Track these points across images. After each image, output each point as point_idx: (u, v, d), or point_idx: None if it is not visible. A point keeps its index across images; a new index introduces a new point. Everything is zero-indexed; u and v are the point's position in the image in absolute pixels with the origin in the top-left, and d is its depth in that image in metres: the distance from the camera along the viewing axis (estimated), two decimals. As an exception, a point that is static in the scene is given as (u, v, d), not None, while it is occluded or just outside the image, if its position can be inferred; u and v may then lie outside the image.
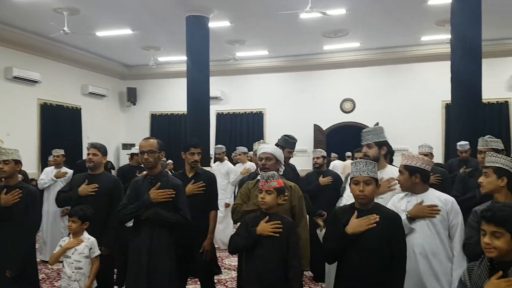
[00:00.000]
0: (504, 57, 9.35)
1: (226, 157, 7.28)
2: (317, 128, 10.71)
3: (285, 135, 4.28)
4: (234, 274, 5.29)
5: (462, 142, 5.42)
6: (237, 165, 7.03)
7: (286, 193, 2.75)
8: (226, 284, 5.00)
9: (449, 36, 6.56)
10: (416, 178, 2.74)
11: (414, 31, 8.96)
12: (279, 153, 3.20)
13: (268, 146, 3.20)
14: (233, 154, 8.20)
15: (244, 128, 11.79)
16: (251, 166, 6.56)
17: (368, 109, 10.36)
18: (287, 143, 4.14)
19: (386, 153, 3.14)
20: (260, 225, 2.59)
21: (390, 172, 3.09)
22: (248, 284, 2.64)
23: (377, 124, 9.98)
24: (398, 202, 2.85)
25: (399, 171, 2.83)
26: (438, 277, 2.66)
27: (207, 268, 3.79)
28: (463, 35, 6.12)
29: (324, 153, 5.55)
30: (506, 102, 9.68)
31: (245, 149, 7.04)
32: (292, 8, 7.10)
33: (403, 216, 2.69)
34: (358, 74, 10.67)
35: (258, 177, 3.09)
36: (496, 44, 8.95)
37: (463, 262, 2.60)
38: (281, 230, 2.56)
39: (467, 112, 6.12)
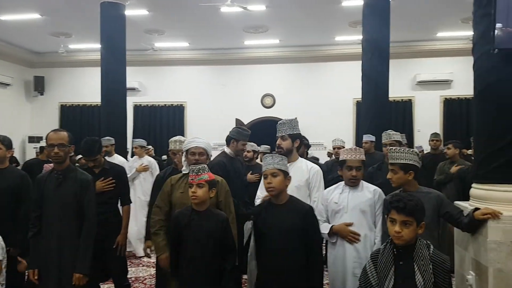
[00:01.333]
0: (409, 58, 10.14)
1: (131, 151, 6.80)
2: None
3: (237, 127, 4.13)
4: (153, 271, 5.17)
5: (367, 135, 5.78)
6: (132, 158, 6.63)
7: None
8: (144, 282, 4.86)
9: (360, 37, 6.94)
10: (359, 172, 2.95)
11: (329, 31, 9.37)
12: (210, 147, 3.12)
13: (200, 140, 3.08)
14: (132, 146, 7.71)
15: (164, 122, 11.48)
16: (148, 162, 6.30)
17: (288, 104, 10.66)
18: (241, 135, 3.96)
19: (299, 145, 3.24)
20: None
21: (301, 165, 3.21)
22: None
23: (295, 119, 10.34)
24: (331, 194, 3.00)
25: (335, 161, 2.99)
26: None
27: (122, 265, 3.66)
28: (373, 37, 6.51)
29: (256, 147, 5.50)
30: (410, 100, 10.54)
31: (143, 142, 6.63)
32: (213, 0, 7.05)
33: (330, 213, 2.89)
34: (278, 70, 10.92)
35: (184, 172, 3.02)
36: (402, 46, 9.68)
37: None
38: None
39: (375, 109, 6.52)
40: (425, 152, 7.47)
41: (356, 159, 2.94)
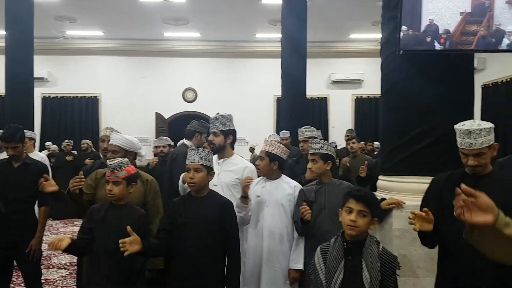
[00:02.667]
0: (325, 58, 10.61)
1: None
2: (159, 117, 10.50)
3: (197, 120, 3.93)
4: (65, 272, 4.84)
5: (283, 132, 5.94)
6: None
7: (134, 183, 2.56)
8: (55, 284, 4.54)
9: (280, 35, 7.11)
10: (274, 164, 2.93)
11: (249, 28, 9.47)
12: (129, 144, 2.94)
13: (117, 136, 2.90)
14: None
15: (76, 115, 10.78)
16: (41, 158, 5.84)
17: (209, 99, 10.60)
18: (204, 128, 3.77)
19: (232, 142, 3.22)
20: None
21: (236, 161, 3.19)
22: None
23: (217, 114, 10.33)
24: (253, 188, 2.95)
25: (260, 156, 2.97)
26: (285, 256, 2.86)
27: (34, 269, 3.37)
28: (291, 35, 6.70)
29: (170, 142, 5.38)
30: (326, 98, 11.05)
31: (32, 134, 5.72)
32: (131, -11, 6.77)
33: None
34: (200, 64, 10.80)
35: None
36: (319, 46, 10.10)
37: (300, 243, 2.84)
38: None
39: (294, 105, 6.74)
40: (338, 147, 7.87)
41: (262, 150, 2.99)
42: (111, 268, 2.33)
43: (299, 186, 3.08)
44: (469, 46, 2.57)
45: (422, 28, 2.53)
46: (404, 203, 2.78)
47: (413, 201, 2.82)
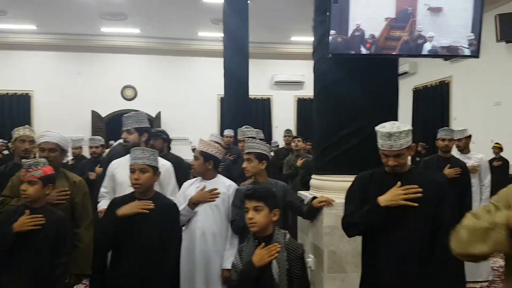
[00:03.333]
0: (268, 59, 10.74)
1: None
2: (95, 115, 10.08)
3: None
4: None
5: (227, 130, 5.94)
6: None
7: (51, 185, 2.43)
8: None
9: (222, 34, 7.09)
10: (209, 164, 2.88)
11: (192, 26, 9.36)
12: (65, 142, 2.77)
13: (53, 133, 2.73)
14: None
15: (6, 113, 10.09)
16: None
17: (150, 97, 10.35)
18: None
19: (147, 140, 3.15)
20: None
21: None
22: None
23: (159, 113, 10.10)
24: (188, 189, 2.93)
25: (195, 156, 2.91)
26: (219, 256, 2.83)
27: None
28: (233, 35, 6.71)
29: (103, 142, 5.21)
30: (269, 98, 11.18)
31: None
32: (64, -19, 6.44)
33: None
34: (140, 61, 10.51)
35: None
36: (262, 47, 10.20)
37: (235, 241, 2.82)
38: None
39: (237, 105, 6.76)
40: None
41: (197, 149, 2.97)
42: (28, 273, 2.20)
43: (234, 186, 3.08)
44: (393, 51, 2.69)
45: (350, 32, 2.62)
46: (334, 201, 2.87)
47: (343, 199, 2.93)
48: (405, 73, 9.18)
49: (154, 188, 2.58)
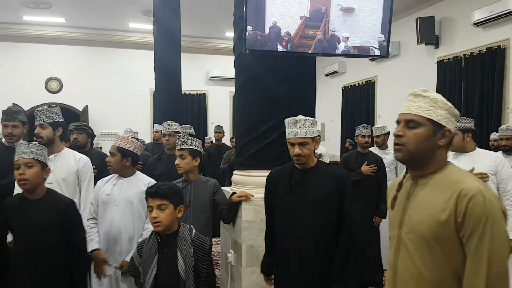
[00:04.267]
0: (203, 54, 10.61)
1: None
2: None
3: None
4: None
5: (156, 125, 5.79)
6: None
7: None
8: None
9: (153, 27, 6.90)
10: (127, 161, 2.77)
11: (122, 16, 9.00)
12: None
13: None
14: None
15: None
16: None
17: (77, 90, 9.82)
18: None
19: (61, 135, 3.02)
20: None
21: (68, 156, 2.99)
22: None
23: (86, 107, 9.63)
24: (103, 187, 2.81)
25: (111, 152, 2.77)
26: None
27: None
28: (164, 28, 6.55)
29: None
30: (204, 94, 11.07)
31: None
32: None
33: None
34: (65, 52, 9.93)
35: None
36: (196, 42, 10.06)
37: None
38: None
39: (170, 99, 6.62)
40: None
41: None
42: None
43: (154, 182, 3.00)
44: (308, 49, 2.76)
45: (266, 29, 2.65)
46: (253, 196, 2.89)
47: (262, 194, 2.96)
48: (335, 72, 9.50)
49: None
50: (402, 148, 1.38)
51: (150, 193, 2.03)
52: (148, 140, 7.98)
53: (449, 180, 1.33)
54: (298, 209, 2.15)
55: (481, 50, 5.75)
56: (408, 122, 1.39)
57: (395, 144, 1.42)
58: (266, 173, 2.97)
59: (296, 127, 2.13)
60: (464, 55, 6.04)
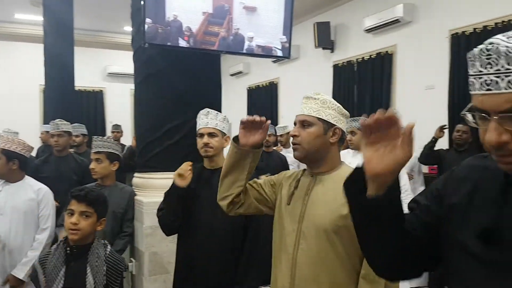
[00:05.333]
0: (100, 48, 9.96)
1: None
2: None
3: None
4: None
5: (42, 126, 5.30)
6: None
7: None
8: None
9: (43, 18, 6.30)
10: (13, 164, 2.51)
11: (7, 6, 8.08)
12: None
13: None
14: None
15: None
16: None
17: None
18: None
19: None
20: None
21: None
22: None
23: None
24: None
25: None
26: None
27: None
28: (55, 19, 6.02)
29: None
30: (102, 91, 10.42)
31: None
32: None
33: None
34: None
35: None
36: (93, 36, 9.41)
37: (36, 253, 2.50)
38: None
39: (62, 97, 6.11)
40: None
41: None
42: None
43: (45, 190, 2.71)
44: (212, 46, 2.69)
45: (167, 23, 2.52)
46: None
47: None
48: (240, 72, 9.59)
49: None
50: (299, 147, 1.50)
51: (78, 196, 1.81)
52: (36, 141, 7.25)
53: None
54: (204, 211, 2.08)
55: (371, 55, 6.21)
56: (302, 123, 1.51)
57: (293, 143, 1.53)
58: (170, 175, 2.86)
59: (207, 118, 2.12)
60: (357, 59, 6.48)
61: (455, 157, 3.79)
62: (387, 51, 5.98)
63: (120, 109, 10.37)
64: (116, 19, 8.92)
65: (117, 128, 6.23)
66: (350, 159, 3.11)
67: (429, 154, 4.07)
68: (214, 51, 2.77)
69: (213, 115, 2.13)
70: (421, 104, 5.42)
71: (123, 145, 6.34)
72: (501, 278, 0.75)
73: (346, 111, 1.55)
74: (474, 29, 4.72)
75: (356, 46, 6.56)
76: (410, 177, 4.03)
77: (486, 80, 0.72)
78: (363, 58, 6.38)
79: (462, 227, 0.84)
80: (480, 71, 0.73)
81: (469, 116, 0.78)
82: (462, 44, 4.86)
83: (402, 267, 0.92)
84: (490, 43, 0.71)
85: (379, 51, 6.10)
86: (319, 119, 1.49)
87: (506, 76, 0.69)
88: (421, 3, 5.51)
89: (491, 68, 0.71)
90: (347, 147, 3.36)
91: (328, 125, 1.49)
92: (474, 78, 0.75)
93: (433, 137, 4.12)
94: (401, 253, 0.88)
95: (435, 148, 4.25)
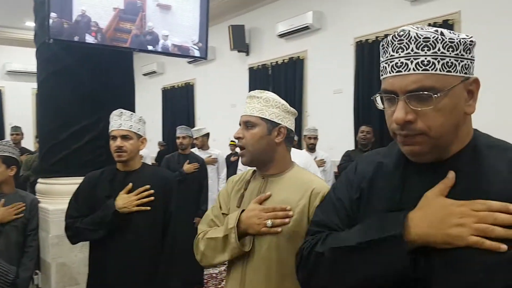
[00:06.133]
0: (-1, 44, 9.10)
1: None
2: None
3: None
4: None
5: None
6: None
7: None
8: None
9: None
10: None
11: None
12: None
13: None
14: None
15: None
16: None
17: None
18: None
19: None
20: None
21: None
22: None
23: None
24: None
25: None
26: None
27: None
28: None
29: None
30: (0, 90, 9.49)
31: None
32: None
33: None
34: None
35: None
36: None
37: None
38: None
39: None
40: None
41: None
42: None
43: None
44: (124, 44, 2.58)
45: (74, 18, 2.36)
46: None
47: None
48: (154, 72, 9.32)
49: None
50: (244, 152, 1.42)
51: None
52: None
53: (299, 179, 1.39)
54: (121, 213, 1.97)
55: (284, 59, 6.42)
56: (246, 123, 1.42)
57: (238, 146, 1.45)
58: (78, 180, 2.67)
59: (120, 119, 2.00)
60: (271, 63, 6.66)
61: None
62: (298, 56, 6.23)
63: (20, 109, 9.51)
64: (17, 13, 8.19)
65: (16, 130, 5.70)
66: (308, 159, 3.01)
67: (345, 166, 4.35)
68: (126, 49, 2.66)
69: (127, 116, 2.02)
70: (330, 107, 5.74)
71: (24, 149, 5.83)
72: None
73: (292, 109, 1.47)
74: (376, 37, 5.11)
75: (270, 50, 6.74)
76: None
77: (397, 63, 0.78)
78: (277, 62, 6.58)
79: (365, 212, 0.90)
80: (392, 55, 0.80)
81: (378, 100, 0.84)
82: (366, 50, 5.24)
83: None
84: (402, 30, 0.79)
85: (291, 55, 6.33)
86: (262, 118, 1.40)
87: (415, 59, 0.76)
88: (328, 12, 5.83)
89: (402, 52, 0.78)
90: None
91: (272, 125, 1.40)
92: (386, 63, 0.81)
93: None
94: None
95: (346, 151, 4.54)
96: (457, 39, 0.77)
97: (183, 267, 2.11)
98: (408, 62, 0.77)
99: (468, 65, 0.79)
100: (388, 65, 0.80)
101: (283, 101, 1.45)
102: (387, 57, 0.81)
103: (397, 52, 0.79)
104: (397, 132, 0.80)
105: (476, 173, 0.79)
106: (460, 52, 0.77)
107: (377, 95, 0.83)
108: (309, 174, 1.46)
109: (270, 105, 1.42)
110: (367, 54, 5.22)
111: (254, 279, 1.35)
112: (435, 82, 0.75)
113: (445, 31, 0.77)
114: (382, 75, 0.83)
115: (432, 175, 0.82)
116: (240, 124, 1.45)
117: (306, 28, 5.92)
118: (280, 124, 1.41)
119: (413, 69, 0.76)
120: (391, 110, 0.80)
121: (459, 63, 0.77)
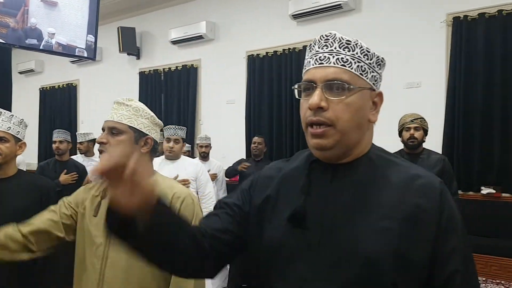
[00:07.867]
0: None
1: None
2: None
3: None
4: None
5: None
6: None
7: None
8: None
9: None
10: None
11: None
12: None
13: None
14: None
15: None
16: None
17: None
18: None
19: None
20: None
21: None
22: None
23: None
24: None
25: None
26: None
27: None
28: None
29: None
30: None
31: None
32: None
33: None
34: None
35: None
36: None
37: None
38: None
39: None
40: None
41: None
42: None
43: None
44: (2, 38, 2.32)
45: None
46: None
47: None
48: (31, 70, 8.47)
49: None
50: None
51: None
52: None
53: (160, 185, 1.40)
54: None
55: (177, 66, 6.36)
56: (111, 129, 1.41)
57: (99, 151, 1.44)
58: None
59: None
60: (164, 69, 6.53)
61: (253, 166, 4.20)
62: (192, 64, 6.23)
63: None
64: None
65: None
66: (167, 167, 3.06)
67: (232, 172, 4.44)
68: (2, 44, 2.39)
69: (5, 117, 1.85)
70: (223, 116, 5.84)
71: None
72: (312, 259, 0.85)
73: (159, 121, 1.51)
74: (266, 52, 5.37)
75: (162, 56, 6.62)
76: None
77: (320, 57, 0.89)
78: (170, 68, 6.49)
79: (272, 216, 0.94)
80: (317, 51, 0.90)
81: (296, 89, 0.93)
82: (257, 64, 5.47)
83: (201, 266, 0.93)
84: (329, 32, 0.90)
85: (185, 63, 6.30)
86: (130, 127, 1.41)
87: (337, 55, 0.88)
88: (221, 24, 5.95)
89: (326, 48, 0.89)
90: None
91: (140, 134, 1.42)
92: (311, 58, 0.91)
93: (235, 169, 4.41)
94: (197, 254, 0.90)
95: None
96: (372, 51, 0.90)
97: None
98: (330, 56, 0.88)
99: (377, 78, 0.92)
100: (312, 59, 0.90)
101: (152, 113, 1.48)
102: (313, 53, 0.91)
103: (322, 49, 0.89)
104: (309, 119, 0.87)
105: (369, 182, 0.88)
106: (373, 63, 0.90)
107: (296, 85, 0.92)
108: (171, 181, 1.52)
109: (140, 115, 1.44)
110: (258, 68, 5.45)
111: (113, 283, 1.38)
112: (350, 78, 0.86)
113: (363, 43, 0.90)
114: (305, 68, 0.92)
115: (331, 175, 0.90)
116: (103, 129, 1.43)
117: (200, 37, 5.97)
118: (148, 135, 1.44)
119: (334, 63, 0.87)
120: (307, 99, 0.88)
121: (370, 72, 0.89)
